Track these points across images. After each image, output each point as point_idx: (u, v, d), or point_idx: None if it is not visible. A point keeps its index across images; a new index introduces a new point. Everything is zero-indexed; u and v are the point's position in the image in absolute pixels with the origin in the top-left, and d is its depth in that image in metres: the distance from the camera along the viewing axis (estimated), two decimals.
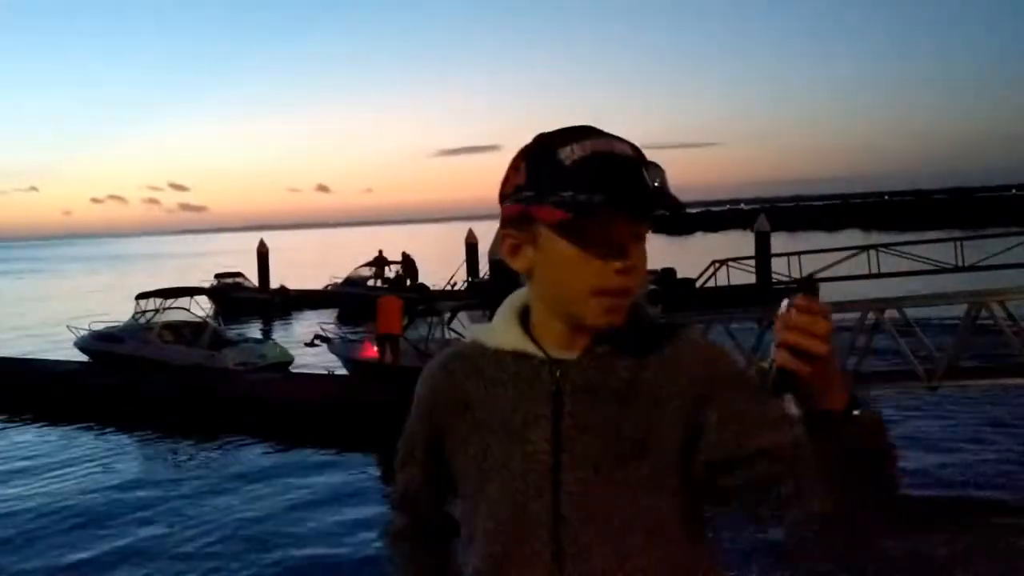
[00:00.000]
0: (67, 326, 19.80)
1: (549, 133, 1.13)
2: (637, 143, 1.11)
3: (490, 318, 1.28)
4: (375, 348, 14.58)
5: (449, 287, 27.41)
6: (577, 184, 1.07)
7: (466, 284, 27.92)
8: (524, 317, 1.21)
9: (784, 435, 1.06)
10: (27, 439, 12.92)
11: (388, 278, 31.28)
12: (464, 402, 1.21)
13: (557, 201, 1.08)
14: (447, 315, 14.60)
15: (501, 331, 1.20)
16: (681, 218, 1.11)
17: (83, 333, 18.92)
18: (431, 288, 27.33)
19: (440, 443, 1.25)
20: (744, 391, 1.13)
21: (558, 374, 1.15)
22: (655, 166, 1.10)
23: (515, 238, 1.15)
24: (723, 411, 1.09)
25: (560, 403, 1.15)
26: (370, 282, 30.40)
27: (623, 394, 1.14)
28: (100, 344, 18.18)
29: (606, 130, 1.13)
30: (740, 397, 1.12)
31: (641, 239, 1.12)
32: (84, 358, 18.11)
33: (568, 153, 1.09)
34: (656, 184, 1.08)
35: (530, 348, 1.17)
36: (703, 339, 1.21)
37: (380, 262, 31.96)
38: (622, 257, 1.10)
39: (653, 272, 26.12)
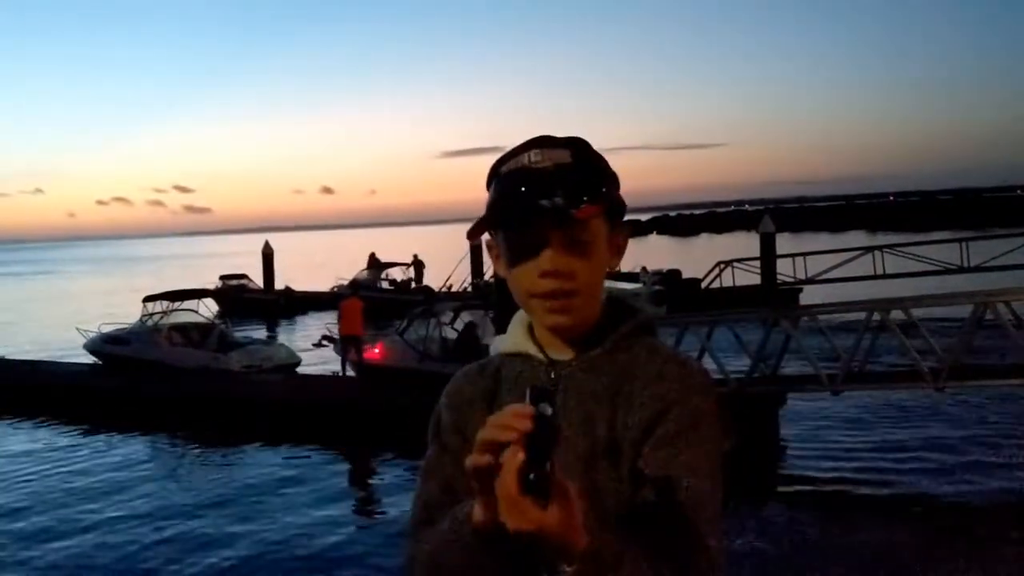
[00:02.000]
0: (77, 328, 19.95)
1: (508, 151, 1.20)
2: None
3: (493, 318, 1.33)
4: (377, 351, 14.60)
5: (446, 289, 27.32)
6: (495, 202, 1.16)
7: (469, 285, 27.87)
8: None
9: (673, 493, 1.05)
10: (33, 440, 13.01)
11: (394, 279, 31.31)
12: (480, 399, 1.29)
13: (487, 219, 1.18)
14: (449, 315, 14.54)
15: (511, 336, 1.28)
16: (567, 222, 1.10)
17: (92, 336, 19.04)
18: (435, 289, 27.35)
19: (457, 440, 1.29)
20: (695, 430, 1.13)
21: (552, 375, 1.22)
22: (572, 174, 1.13)
23: (495, 249, 1.25)
24: (668, 431, 1.10)
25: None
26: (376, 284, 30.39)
27: (603, 397, 1.19)
28: (109, 347, 18.27)
29: (584, 136, 1.17)
30: (688, 431, 1.13)
31: (575, 243, 1.14)
32: (93, 360, 18.24)
33: (504, 171, 1.18)
34: (559, 192, 1.10)
35: (531, 350, 1.25)
36: (699, 368, 1.23)
37: (374, 264, 31.99)
38: (543, 262, 1.14)
39: (658, 273, 26.12)
